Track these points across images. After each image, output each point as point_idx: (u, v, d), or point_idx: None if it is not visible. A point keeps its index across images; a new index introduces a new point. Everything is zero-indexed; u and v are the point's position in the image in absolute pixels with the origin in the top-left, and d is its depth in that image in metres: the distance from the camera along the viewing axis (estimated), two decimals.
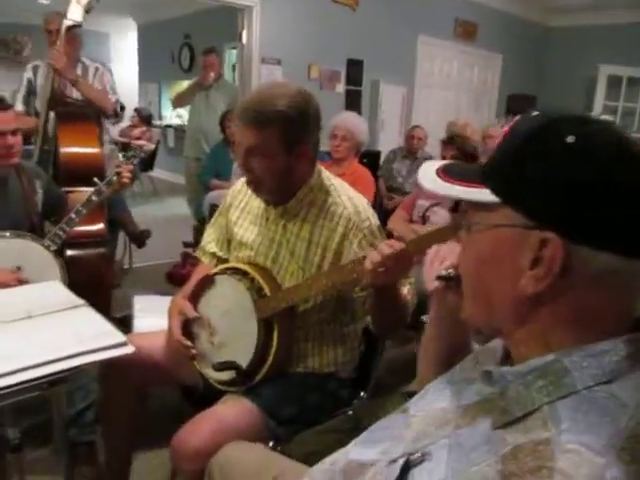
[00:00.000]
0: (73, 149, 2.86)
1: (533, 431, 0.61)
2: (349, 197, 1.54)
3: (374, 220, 1.52)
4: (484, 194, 0.68)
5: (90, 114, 3.22)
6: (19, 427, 1.73)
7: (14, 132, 1.98)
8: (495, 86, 7.45)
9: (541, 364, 0.65)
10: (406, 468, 0.72)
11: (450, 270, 0.84)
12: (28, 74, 3.36)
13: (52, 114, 3.06)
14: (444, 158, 2.76)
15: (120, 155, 4.59)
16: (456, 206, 2.67)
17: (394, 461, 0.73)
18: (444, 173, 0.74)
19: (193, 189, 4.79)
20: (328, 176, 1.59)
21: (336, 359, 1.61)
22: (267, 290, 1.48)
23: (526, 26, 7.38)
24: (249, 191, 1.66)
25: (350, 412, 1.70)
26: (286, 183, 1.48)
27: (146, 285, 3.90)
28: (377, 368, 1.77)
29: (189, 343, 1.57)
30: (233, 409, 1.42)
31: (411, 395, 2.62)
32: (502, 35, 7.06)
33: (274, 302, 1.45)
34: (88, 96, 3.24)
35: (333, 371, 1.61)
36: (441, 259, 0.87)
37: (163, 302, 2.46)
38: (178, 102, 5.27)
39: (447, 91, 6.92)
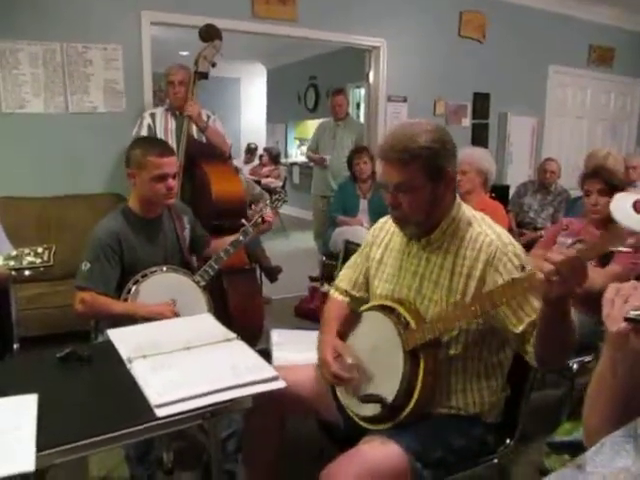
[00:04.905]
0: (224, 187, 3.13)
1: None
2: (490, 225, 1.56)
3: (517, 245, 1.51)
4: None
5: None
6: (172, 451, 1.85)
7: (174, 176, 2.16)
8: (635, 112, 6.98)
9: None
10: None
11: None
12: (147, 120, 3.61)
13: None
14: (588, 193, 2.60)
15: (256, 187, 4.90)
16: None
17: None
18: None
19: (320, 224, 4.93)
20: (469, 208, 1.61)
21: (482, 399, 1.56)
22: (413, 323, 1.49)
23: None
24: (391, 228, 1.69)
25: (495, 460, 1.63)
26: (432, 213, 1.52)
27: (276, 318, 4.02)
28: (523, 414, 1.68)
29: (347, 375, 1.56)
30: (378, 450, 1.41)
31: (553, 446, 2.43)
32: None
33: (419, 334, 1.45)
34: (212, 140, 3.49)
35: (479, 412, 1.56)
36: (624, 298, 0.81)
37: (298, 336, 2.56)
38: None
39: (580, 120, 6.59)
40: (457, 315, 1.41)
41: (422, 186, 1.46)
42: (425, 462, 1.43)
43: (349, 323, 1.66)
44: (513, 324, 1.41)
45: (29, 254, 1.66)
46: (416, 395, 1.44)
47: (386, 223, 1.75)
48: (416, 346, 1.45)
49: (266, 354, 2.41)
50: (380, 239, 1.74)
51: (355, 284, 1.80)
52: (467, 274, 1.49)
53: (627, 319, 0.79)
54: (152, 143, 2.22)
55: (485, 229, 1.53)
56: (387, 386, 1.48)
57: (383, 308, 1.58)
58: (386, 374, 1.51)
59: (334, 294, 1.86)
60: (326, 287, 4.27)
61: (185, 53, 7.90)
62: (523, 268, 1.42)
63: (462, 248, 1.52)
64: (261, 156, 8.84)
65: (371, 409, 1.51)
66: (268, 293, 4.51)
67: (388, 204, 1.54)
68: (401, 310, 1.53)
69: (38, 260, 1.66)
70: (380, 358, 1.55)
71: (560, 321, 1.28)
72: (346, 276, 1.85)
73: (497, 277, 1.44)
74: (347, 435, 1.60)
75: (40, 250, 1.68)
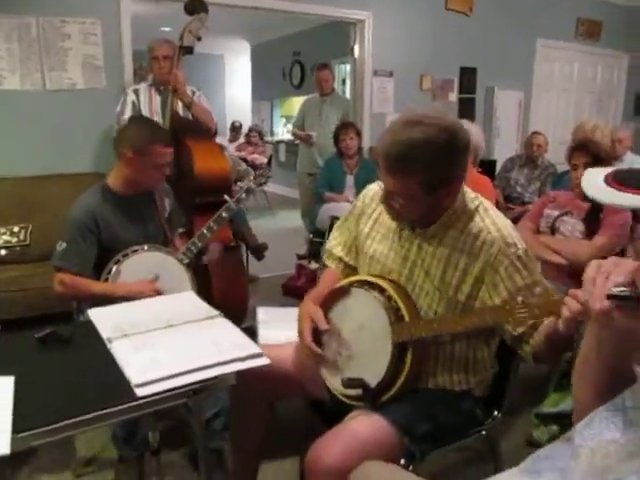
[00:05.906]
0: (208, 164, 3.08)
1: None
2: (493, 221, 1.45)
3: (521, 245, 1.42)
4: None
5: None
6: (158, 431, 1.83)
7: (169, 163, 2.16)
8: (621, 86, 6.97)
9: None
10: None
11: (624, 288, 0.76)
12: (131, 97, 3.49)
13: None
14: (575, 167, 2.58)
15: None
16: (590, 215, 2.50)
17: None
18: (615, 181, 0.68)
19: (307, 202, 4.89)
20: (472, 198, 1.50)
21: (467, 380, 1.55)
22: (406, 314, 1.42)
23: None
24: None
25: (484, 432, 1.63)
26: (429, 215, 1.45)
27: (263, 296, 4.01)
28: (511, 388, 1.68)
29: (319, 350, 1.55)
30: (366, 426, 1.39)
31: (541, 417, 2.45)
32: (629, 32, 6.60)
33: (413, 329, 1.40)
34: (199, 116, 3.40)
35: (466, 389, 1.55)
36: (605, 275, 0.78)
37: (285, 314, 2.53)
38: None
39: (567, 94, 6.58)
40: (454, 319, 1.38)
41: (417, 196, 1.37)
42: (412, 436, 1.41)
43: (337, 294, 1.59)
44: (512, 326, 1.37)
45: (5, 233, 1.61)
46: (398, 384, 1.43)
47: (377, 193, 1.61)
48: (406, 340, 1.41)
49: (252, 332, 2.39)
50: (371, 209, 1.64)
51: (349, 250, 1.72)
52: (463, 269, 1.42)
53: (609, 296, 0.76)
54: (157, 131, 2.20)
55: (488, 224, 1.43)
56: (371, 370, 1.45)
57: (373, 287, 1.50)
58: (371, 358, 1.47)
59: (327, 261, 1.78)
60: (314, 265, 4.26)
61: (167, 29, 7.73)
62: (531, 288, 1.32)
63: (459, 241, 1.44)
64: (248, 135, 8.73)
65: (352, 390, 1.48)
66: (255, 271, 4.49)
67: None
68: (394, 294, 1.46)
69: (14, 239, 1.62)
70: (366, 340, 1.50)
71: (570, 339, 1.25)
72: (337, 240, 1.76)
73: (497, 279, 1.39)
74: (334, 411, 1.57)
75: (16, 229, 1.63)
